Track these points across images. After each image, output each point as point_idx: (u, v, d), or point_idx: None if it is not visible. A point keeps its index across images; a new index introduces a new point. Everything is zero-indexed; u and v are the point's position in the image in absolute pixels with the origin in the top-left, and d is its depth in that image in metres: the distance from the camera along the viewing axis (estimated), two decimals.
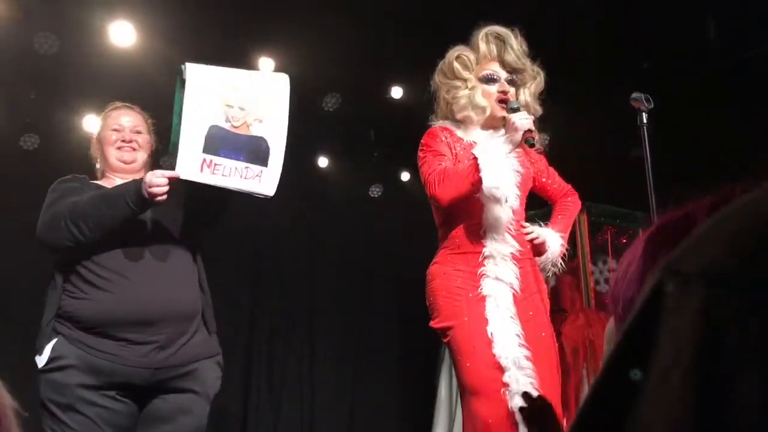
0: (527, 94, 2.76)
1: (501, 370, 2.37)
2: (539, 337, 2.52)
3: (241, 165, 2.30)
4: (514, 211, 2.63)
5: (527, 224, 2.72)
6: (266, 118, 2.36)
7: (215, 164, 2.26)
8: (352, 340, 6.26)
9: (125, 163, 2.58)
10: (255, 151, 2.33)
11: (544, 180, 2.90)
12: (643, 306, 0.47)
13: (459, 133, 2.72)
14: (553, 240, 2.75)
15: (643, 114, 2.57)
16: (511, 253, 2.57)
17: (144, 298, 2.26)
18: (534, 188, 2.88)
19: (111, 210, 2.27)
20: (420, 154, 2.71)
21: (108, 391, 2.26)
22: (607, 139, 5.38)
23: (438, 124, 2.77)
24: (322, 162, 6.08)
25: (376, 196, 6.34)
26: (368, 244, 6.27)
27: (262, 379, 5.93)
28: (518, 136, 2.48)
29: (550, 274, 2.83)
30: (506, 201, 2.53)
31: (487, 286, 2.51)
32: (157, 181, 2.24)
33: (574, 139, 5.56)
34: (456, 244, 2.63)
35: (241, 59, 4.89)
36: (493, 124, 2.69)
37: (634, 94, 2.60)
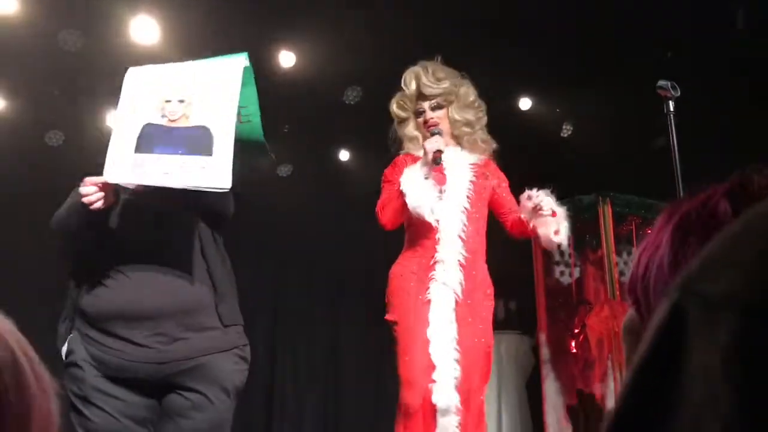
0: (454, 110, 3.09)
1: (432, 368, 2.72)
2: (472, 342, 2.80)
3: (178, 159, 2.11)
4: (466, 222, 2.90)
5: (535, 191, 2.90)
6: (211, 105, 2.18)
7: (148, 162, 2.13)
8: (377, 334, 6.25)
9: None
10: (195, 142, 2.13)
11: (502, 195, 3.12)
12: (662, 330, 0.42)
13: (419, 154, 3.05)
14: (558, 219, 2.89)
15: (670, 102, 2.52)
16: (458, 261, 2.84)
17: (141, 294, 2.22)
18: (490, 202, 3.09)
19: (70, 218, 2.30)
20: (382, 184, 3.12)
21: (122, 384, 2.26)
22: (631, 128, 5.32)
23: (402, 152, 3.17)
24: (344, 155, 6.08)
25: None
26: (387, 237, 6.25)
27: (287, 374, 5.96)
28: (429, 157, 2.84)
29: (561, 240, 2.92)
30: (432, 214, 2.83)
31: (433, 291, 2.82)
32: (86, 190, 2.20)
33: (599, 128, 5.51)
34: (413, 247, 2.97)
35: (263, 53, 4.90)
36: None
37: (661, 82, 2.55)
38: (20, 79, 4.82)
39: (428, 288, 2.82)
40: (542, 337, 5.02)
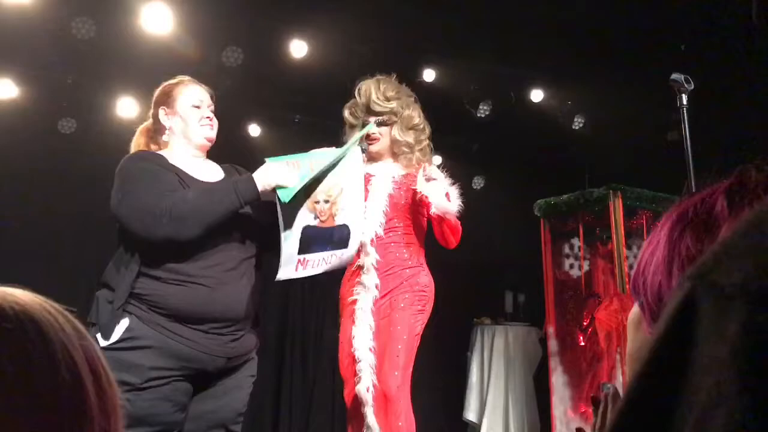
0: (395, 129, 3.25)
1: (356, 362, 3.03)
2: (388, 331, 3.08)
3: (327, 254, 2.61)
4: (380, 232, 3.15)
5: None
6: (348, 203, 2.64)
7: (307, 260, 2.55)
8: None
9: (209, 141, 2.65)
10: (339, 239, 2.63)
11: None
12: (673, 321, 0.41)
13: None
14: (435, 189, 3.11)
15: (683, 96, 2.51)
16: (372, 265, 3.11)
17: (233, 300, 2.44)
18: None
19: (217, 206, 2.40)
20: None
21: (177, 372, 2.36)
22: (643, 121, 5.30)
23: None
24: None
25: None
26: None
27: (296, 365, 5.99)
28: None
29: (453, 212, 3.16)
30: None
31: (356, 293, 3.13)
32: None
33: (611, 121, 5.49)
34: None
35: (276, 42, 4.90)
36: (376, 158, 3.26)
37: (674, 76, 2.53)
38: (33, 67, 4.85)
39: (353, 291, 3.15)
40: (550, 330, 5.01)
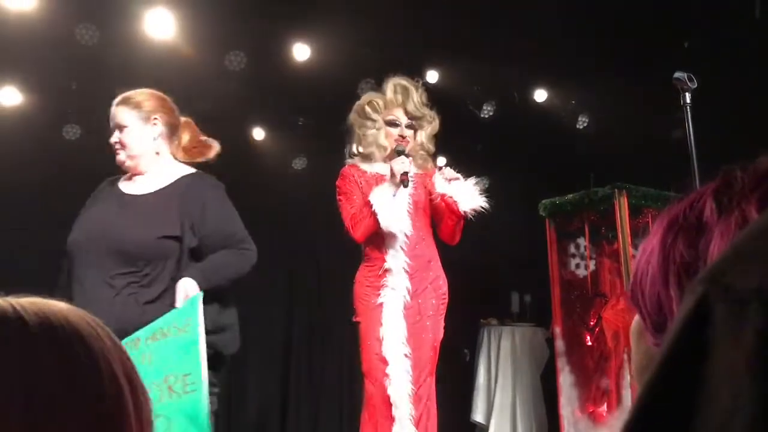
0: (423, 135, 3.37)
1: (386, 363, 3.08)
2: (420, 338, 3.16)
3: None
4: (409, 234, 3.22)
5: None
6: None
7: None
8: None
9: (119, 164, 2.82)
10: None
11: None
12: (685, 327, 0.40)
13: (364, 166, 3.36)
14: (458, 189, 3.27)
15: (687, 94, 2.50)
16: (403, 268, 3.18)
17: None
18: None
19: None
20: (337, 197, 3.35)
21: None
22: (647, 120, 5.28)
23: (348, 163, 3.40)
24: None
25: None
26: None
27: (303, 374, 5.99)
28: (396, 179, 3.12)
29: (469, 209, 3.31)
30: (401, 230, 3.18)
31: (384, 295, 3.17)
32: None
33: (614, 120, 5.48)
34: (369, 259, 3.30)
35: (279, 46, 4.91)
36: (393, 158, 3.27)
37: (677, 74, 2.53)
38: (38, 74, 4.86)
39: (380, 293, 3.18)
40: (557, 330, 5.00)
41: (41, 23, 4.30)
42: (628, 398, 4.44)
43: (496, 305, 6.32)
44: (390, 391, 3.06)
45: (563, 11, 4.56)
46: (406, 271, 3.20)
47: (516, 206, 6.38)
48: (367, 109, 3.34)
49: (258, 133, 5.71)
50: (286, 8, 4.60)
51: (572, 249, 5.10)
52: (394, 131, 3.33)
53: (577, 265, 5.08)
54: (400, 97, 3.31)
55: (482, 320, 6.27)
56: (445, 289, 3.35)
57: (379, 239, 3.23)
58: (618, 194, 4.60)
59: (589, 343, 4.82)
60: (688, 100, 2.52)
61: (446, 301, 3.35)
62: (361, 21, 4.66)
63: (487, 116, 5.66)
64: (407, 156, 3.20)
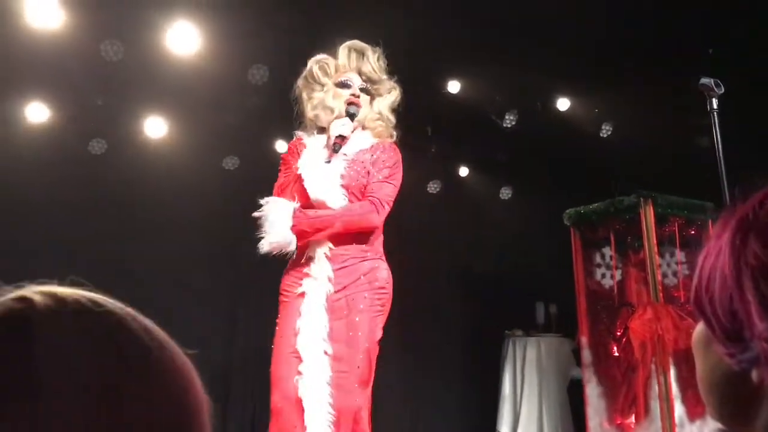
0: (381, 104, 2.95)
1: (299, 359, 2.62)
2: (347, 336, 2.69)
3: None
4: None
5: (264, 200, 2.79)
6: None
7: None
8: (414, 337, 6.25)
9: None
10: None
11: (370, 171, 2.88)
12: None
13: (307, 139, 2.91)
14: (274, 223, 2.76)
15: (713, 100, 2.47)
16: (325, 254, 2.75)
17: None
18: None
19: None
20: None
21: None
22: (673, 127, 5.23)
23: (295, 136, 2.98)
24: None
25: (434, 191, 6.32)
26: (426, 241, 6.26)
27: None
28: (330, 141, 2.76)
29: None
30: (335, 201, 2.73)
31: (305, 285, 2.74)
32: None
33: (639, 128, 5.43)
34: (298, 246, 2.80)
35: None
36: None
37: (703, 80, 2.50)
38: (64, 90, 4.93)
39: (302, 283, 2.75)
40: (583, 341, 4.95)
41: (67, 40, 4.36)
42: (656, 410, 4.37)
43: (521, 316, 6.28)
44: (302, 392, 2.56)
45: (585, 18, 4.53)
46: (328, 258, 2.74)
47: (540, 215, 6.34)
48: (316, 71, 2.93)
49: (281, 146, 5.74)
50: (307, 21, 4.63)
51: (598, 258, 5.05)
52: (345, 92, 2.89)
53: (603, 275, 5.03)
54: (354, 59, 2.93)
55: (507, 331, 6.23)
56: (384, 283, 2.82)
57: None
58: (644, 203, 4.56)
59: (616, 354, 4.76)
60: (714, 106, 2.48)
61: (385, 298, 2.82)
62: (382, 32, 4.67)
63: (509, 125, 5.64)
64: (353, 117, 2.78)
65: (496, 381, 6.10)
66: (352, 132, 2.84)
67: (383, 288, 2.82)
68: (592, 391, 4.81)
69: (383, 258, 2.88)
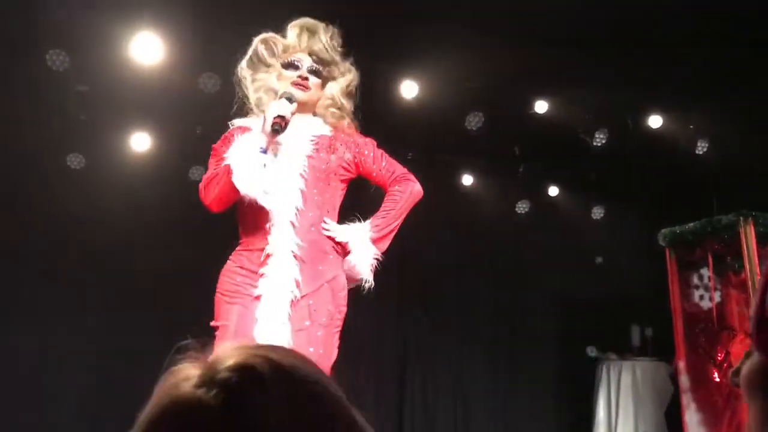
0: (335, 88, 2.61)
1: None
2: (307, 351, 2.25)
3: None
4: (300, 206, 2.42)
5: (329, 221, 2.48)
6: None
7: None
8: (505, 361, 6.19)
9: None
10: None
11: (367, 165, 2.61)
12: None
13: (251, 124, 2.55)
14: (359, 246, 2.48)
15: None
16: (292, 251, 2.38)
17: None
18: (360, 174, 2.63)
19: None
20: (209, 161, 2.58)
21: None
22: None
23: (236, 124, 2.64)
24: (467, 180, 6.10)
25: (523, 212, 6.27)
26: (517, 261, 6.20)
27: (416, 396, 6.00)
28: (267, 124, 2.35)
29: (364, 284, 2.51)
30: (265, 196, 2.34)
31: (263, 287, 2.36)
32: None
33: (736, 144, 5.23)
34: (245, 240, 2.50)
35: (386, 83, 5.03)
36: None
37: None
38: (165, 120, 5.20)
39: (257, 285, 2.37)
40: (681, 365, 4.78)
41: (168, 74, 4.61)
42: None
43: (615, 339, 6.12)
44: None
45: (676, 32, 4.43)
46: (296, 256, 2.38)
47: (634, 236, 6.19)
48: (262, 51, 2.59)
49: None
50: (391, 48, 4.72)
51: (695, 280, 4.88)
52: (292, 74, 2.56)
53: (701, 297, 4.85)
54: (305, 39, 2.59)
55: (601, 354, 6.09)
56: (343, 288, 2.48)
57: (260, 214, 2.41)
58: (743, 222, 4.39)
59: (717, 379, 4.57)
60: None
61: (344, 306, 2.47)
62: (467, 55, 4.71)
63: (599, 144, 5.54)
64: (292, 101, 2.42)
65: (590, 405, 5.96)
66: (292, 116, 2.43)
67: (343, 301, 2.47)
68: (692, 418, 4.63)
69: (341, 261, 2.50)
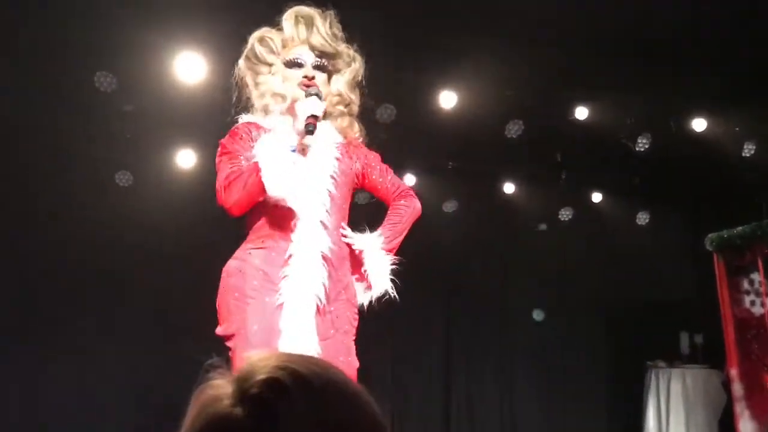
0: (340, 82, 2.47)
1: None
2: (337, 362, 2.14)
3: None
4: (328, 207, 2.32)
5: (347, 228, 2.41)
6: None
7: None
8: (554, 370, 6.13)
9: None
10: None
11: (374, 177, 2.54)
12: None
13: (266, 123, 2.41)
14: (374, 255, 2.41)
15: None
16: (322, 253, 2.24)
17: None
18: (364, 186, 2.58)
19: None
20: (216, 158, 2.42)
21: None
22: None
23: (244, 119, 2.48)
24: (509, 188, 6.08)
25: (566, 219, 6.21)
26: (560, 269, 6.15)
27: (462, 404, 5.98)
28: (300, 123, 2.26)
29: (375, 295, 2.43)
30: (294, 197, 2.23)
31: (287, 292, 2.20)
32: None
33: None
34: (260, 236, 2.32)
35: (425, 93, 5.06)
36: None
37: None
38: (208, 136, 5.29)
39: (279, 289, 2.21)
40: (733, 373, 4.67)
41: (210, 91, 4.71)
42: None
43: (664, 346, 6.01)
44: None
45: (716, 34, 4.36)
46: (328, 259, 2.26)
47: (680, 241, 6.08)
48: (259, 49, 2.45)
49: (409, 179, 5.87)
50: (430, 59, 4.74)
51: (745, 285, 4.77)
52: (297, 74, 2.41)
53: (752, 302, 4.74)
54: (303, 31, 2.43)
55: (649, 362, 5.99)
56: (357, 306, 2.40)
57: (283, 211, 2.27)
58: None
59: None
60: None
61: (357, 321, 2.40)
62: (505, 63, 4.71)
63: (642, 149, 5.47)
64: (319, 97, 2.32)
65: (640, 414, 5.86)
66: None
67: (357, 310, 2.40)
68: (745, 427, 4.52)
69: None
